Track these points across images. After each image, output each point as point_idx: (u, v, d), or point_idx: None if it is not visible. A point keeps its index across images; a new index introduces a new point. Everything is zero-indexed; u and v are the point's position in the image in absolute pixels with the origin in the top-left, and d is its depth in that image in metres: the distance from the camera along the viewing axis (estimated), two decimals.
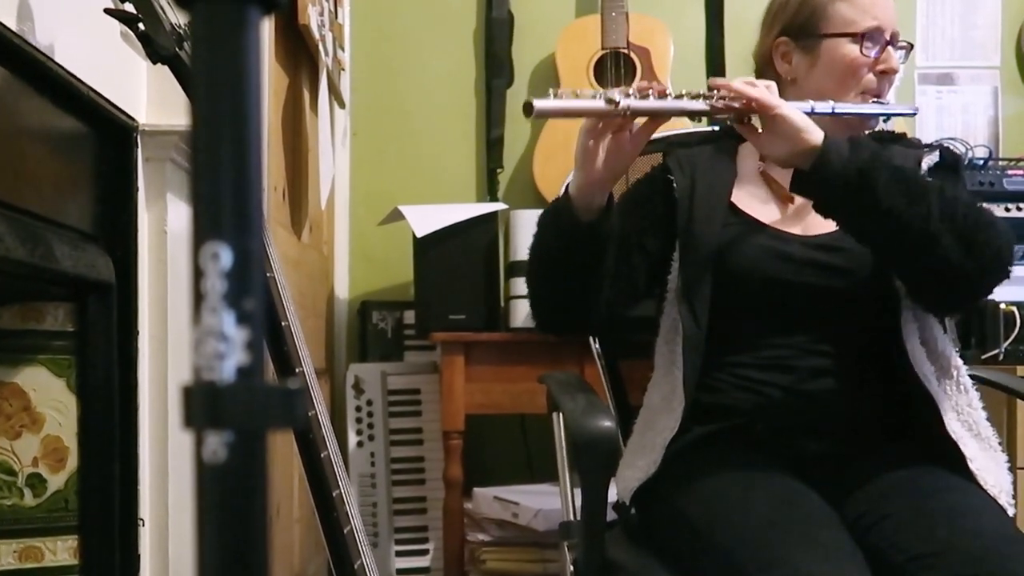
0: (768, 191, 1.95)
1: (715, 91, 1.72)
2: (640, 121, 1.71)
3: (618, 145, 1.70)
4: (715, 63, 3.78)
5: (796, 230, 1.89)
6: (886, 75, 1.91)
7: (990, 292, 1.82)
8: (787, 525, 1.56)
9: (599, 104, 1.62)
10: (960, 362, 1.84)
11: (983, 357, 2.96)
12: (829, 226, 1.80)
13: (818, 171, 1.66)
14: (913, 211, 1.65)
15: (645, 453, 1.80)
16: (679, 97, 1.68)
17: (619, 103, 1.61)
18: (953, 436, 1.73)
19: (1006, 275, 1.76)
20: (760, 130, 1.73)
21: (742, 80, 1.73)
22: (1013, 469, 1.80)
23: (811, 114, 1.74)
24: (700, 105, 1.70)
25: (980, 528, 1.56)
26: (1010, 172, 3.19)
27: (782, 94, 1.77)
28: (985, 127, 3.88)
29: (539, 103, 1.57)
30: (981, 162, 3.24)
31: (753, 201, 1.93)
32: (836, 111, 1.82)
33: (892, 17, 1.93)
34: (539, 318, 1.93)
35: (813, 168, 1.67)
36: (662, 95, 1.67)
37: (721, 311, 1.83)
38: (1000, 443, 1.81)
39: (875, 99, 1.91)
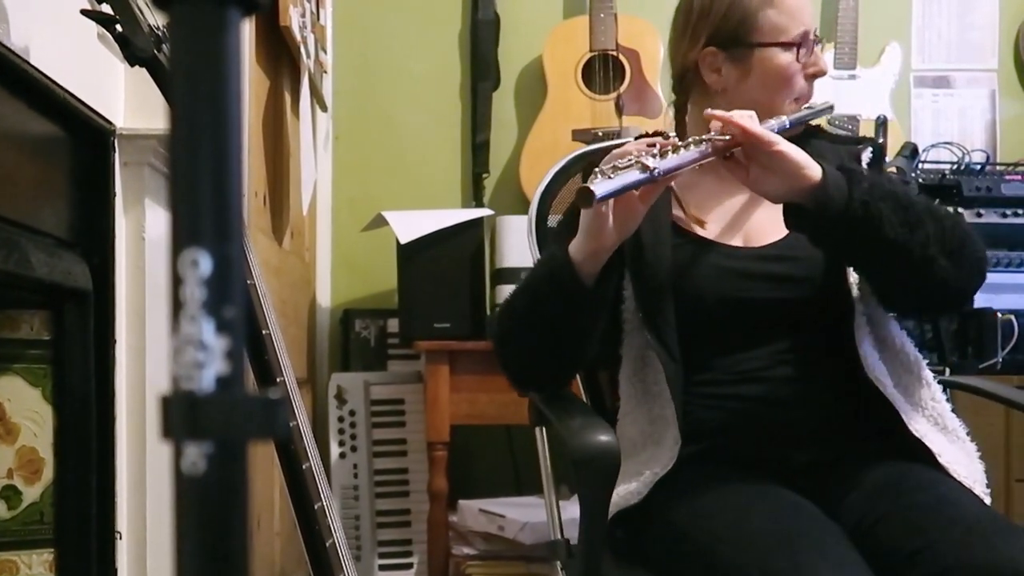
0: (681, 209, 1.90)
1: (712, 131, 1.67)
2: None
3: (629, 205, 1.64)
4: None
5: (738, 241, 1.86)
6: (815, 77, 1.90)
7: (971, 299, 1.84)
8: (795, 537, 1.54)
9: (639, 174, 1.56)
10: (919, 356, 1.84)
11: (980, 367, 2.94)
12: (772, 235, 1.81)
13: (822, 209, 1.63)
14: (914, 238, 1.65)
15: (624, 480, 1.77)
16: (687, 147, 1.63)
17: (654, 169, 1.56)
18: (917, 434, 1.73)
19: (983, 281, 1.79)
20: (745, 163, 1.69)
21: (726, 115, 1.67)
22: (1011, 481, 1.79)
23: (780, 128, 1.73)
24: (705, 150, 1.64)
25: (965, 516, 1.56)
26: (1008, 177, 3.17)
27: (709, 105, 1.76)
28: (982, 131, 3.88)
29: (598, 189, 1.51)
30: (978, 167, 3.23)
31: (694, 217, 1.89)
32: (788, 125, 1.78)
33: (813, 15, 1.92)
34: (522, 379, 1.86)
35: (817, 206, 1.63)
36: (676, 149, 1.61)
37: (684, 335, 1.80)
38: (968, 433, 1.81)
39: (806, 104, 1.89)
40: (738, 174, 1.70)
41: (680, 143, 1.64)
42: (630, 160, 1.58)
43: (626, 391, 1.87)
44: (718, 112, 1.69)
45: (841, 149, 1.92)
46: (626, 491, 1.75)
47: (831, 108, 1.96)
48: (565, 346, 1.77)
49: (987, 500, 1.70)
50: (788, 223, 1.69)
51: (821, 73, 1.90)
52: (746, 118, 1.67)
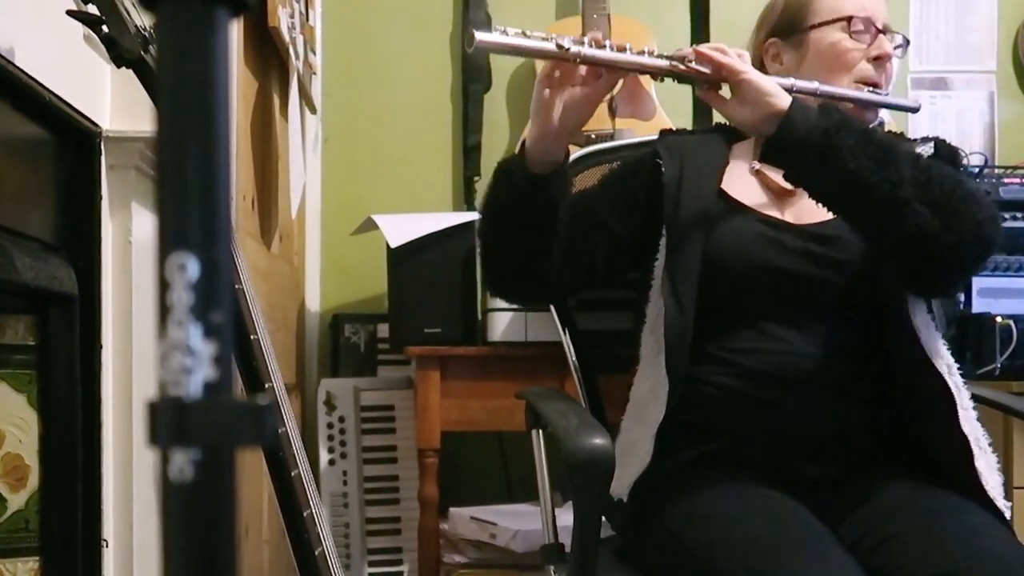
0: (760, 186, 1.93)
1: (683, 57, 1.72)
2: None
3: (574, 98, 1.70)
4: None
5: (788, 218, 1.87)
6: (881, 62, 1.91)
7: (973, 268, 1.79)
8: (790, 544, 1.54)
9: (548, 46, 1.62)
10: (952, 362, 1.82)
11: (978, 373, 2.91)
12: (822, 215, 1.79)
13: (783, 134, 1.65)
14: (882, 175, 1.63)
15: (636, 449, 1.77)
16: (639, 54, 1.67)
17: (569, 49, 1.60)
18: (966, 432, 1.72)
19: (988, 250, 1.72)
20: (725, 97, 1.73)
21: (711, 46, 1.73)
22: (1010, 489, 1.78)
23: (792, 92, 1.73)
24: (661, 63, 1.69)
25: (995, 548, 1.54)
26: (1006, 180, 3.16)
27: None
28: (981, 133, 3.86)
29: (481, 35, 1.58)
30: (976, 170, 3.21)
31: (744, 191, 1.91)
32: (820, 91, 1.81)
33: (881, 9, 1.93)
34: (491, 280, 1.93)
35: (778, 131, 1.65)
36: (620, 50, 1.66)
37: (708, 303, 1.80)
38: (990, 444, 1.80)
39: (871, 88, 1.89)
40: (719, 107, 1.74)
41: (629, 47, 1.67)
42: (550, 35, 1.63)
43: (643, 351, 1.89)
44: (703, 46, 1.73)
45: (903, 146, 1.91)
46: (637, 455, 1.75)
47: (915, 109, 1.95)
48: (517, 236, 1.81)
49: (1007, 513, 1.70)
50: (760, 155, 1.72)
51: (885, 56, 1.91)
52: (732, 54, 1.71)
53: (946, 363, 1.77)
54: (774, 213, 1.87)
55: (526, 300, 2.02)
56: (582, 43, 1.62)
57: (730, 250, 1.81)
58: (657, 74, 1.72)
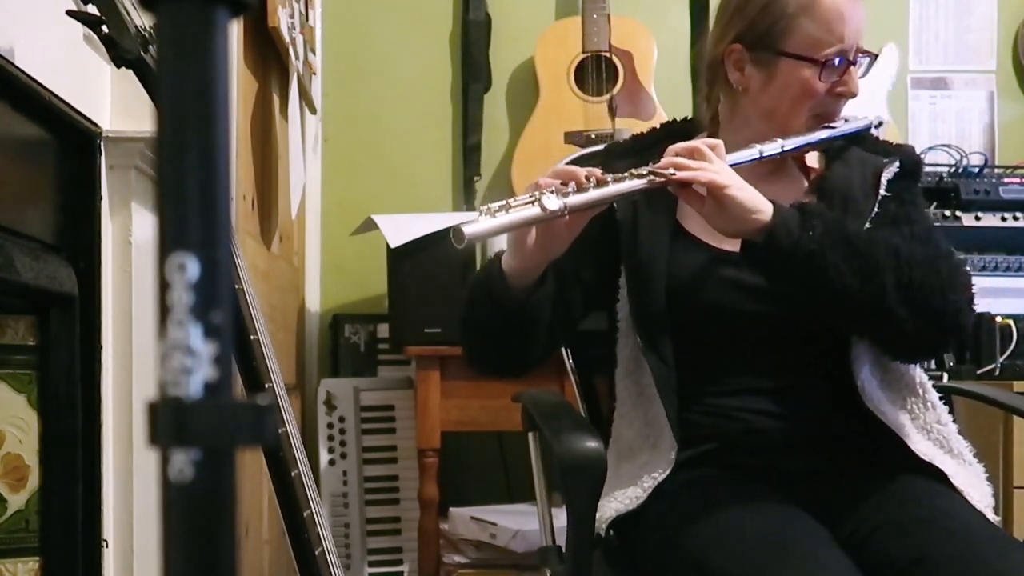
0: None
1: (656, 169, 1.65)
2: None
3: (553, 231, 1.63)
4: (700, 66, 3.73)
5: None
6: (842, 97, 1.83)
7: (944, 352, 1.81)
8: (786, 546, 1.53)
9: (535, 212, 1.54)
10: (926, 378, 1.83)
11: (978, 372, 2.92)
12: None
13: (766, 250, 1.63)
14: (866, 290, 1.64)
15: (623, 484, 1.76)
16: (619, 180, 1.62)
17: (554, 210, 1.54)
18: (925, 457, 1.72)
19: (962, 335, 1.80)
20: (703, 195, 1.66)
21: (687, 147, 1.66)
22: (1009, 488, 1.78)
23: (760, 159, 1.72)
24: (643, 184, 1.63)
25: (964, 530, 1.56)
26: (1006, 180, 3.15)
27: (732, 103, 1.77)
28: (980, 134, 3.86)
29: (468, 229, 1.48)
30: (976, 170, 3.20)
31: (698, 222, 1.83)
32: (785, 149, 1.77)
33: (859, 31, 1.81)
34: (476, 368, 1.89)
35: (762, 247, 1.63)
36: (601, 183, 1.60)
37: (680, 340, 1.79)
38: (975, 455, 1.80)
39: (825, 123, 1.83)
40: (695, 206, 1.67)
41: (613, 177, 1.61)
42: (531, 196, 1.55)
43: (621, 392, 1.86)
44: (676, 148, 1.67)
45: (869, 162, 1.87)
46: (624, 495, 1.74)
47: (877, 125, 1.92)
48: (503, 343, 1.78)
49: (998, 523, 1.69)
50: (740, 254, 1.69)
51: (849, 95, 1.82)
52: (709, 155, 1.65)
53: (893, 391, 1.79)
54: (729, 246, 1.80)
55: (513, 378, 1.98)
56: (566, 194, 1.55)
57: (693, 297, 1.79)
58: (639, 194, 1.67)
